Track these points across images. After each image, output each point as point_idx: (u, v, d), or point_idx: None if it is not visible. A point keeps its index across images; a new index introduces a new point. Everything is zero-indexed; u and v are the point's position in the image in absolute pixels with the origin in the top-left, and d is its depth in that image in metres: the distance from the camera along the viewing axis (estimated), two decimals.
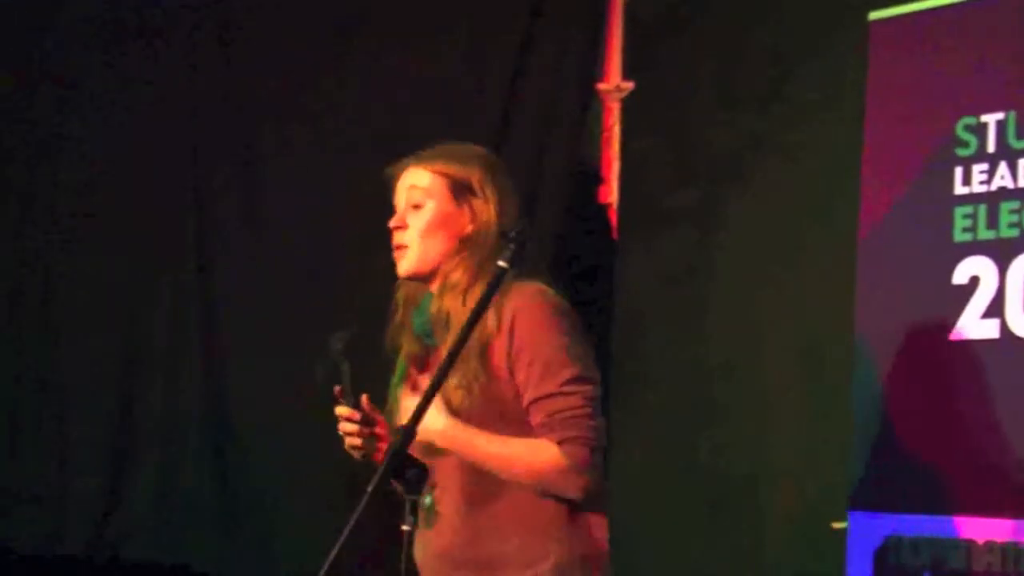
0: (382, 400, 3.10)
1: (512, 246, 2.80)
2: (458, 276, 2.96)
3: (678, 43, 4.77)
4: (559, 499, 2.91)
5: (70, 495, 5.29)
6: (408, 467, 2.65)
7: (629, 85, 4.88)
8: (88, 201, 5.41)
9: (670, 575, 4.59)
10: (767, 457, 4.44)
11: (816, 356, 4.38)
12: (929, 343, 4.10)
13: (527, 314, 2.89)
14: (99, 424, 5.31)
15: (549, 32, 4.91)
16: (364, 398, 2.98)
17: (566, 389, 2.88)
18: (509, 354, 2.89)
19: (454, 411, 2.90)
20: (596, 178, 4.94)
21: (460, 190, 3.01)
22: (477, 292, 2.89)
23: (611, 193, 4.92)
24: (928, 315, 4.11)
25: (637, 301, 4.80)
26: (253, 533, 5.04)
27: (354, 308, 4.72)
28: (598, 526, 2.99)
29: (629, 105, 4.86)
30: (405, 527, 2.64)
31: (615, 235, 4.88)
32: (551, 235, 4.81)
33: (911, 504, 4.04)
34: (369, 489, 2.59)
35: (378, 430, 3.01)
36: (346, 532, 2.59)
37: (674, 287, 4.70)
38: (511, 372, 2.90)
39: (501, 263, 2.79)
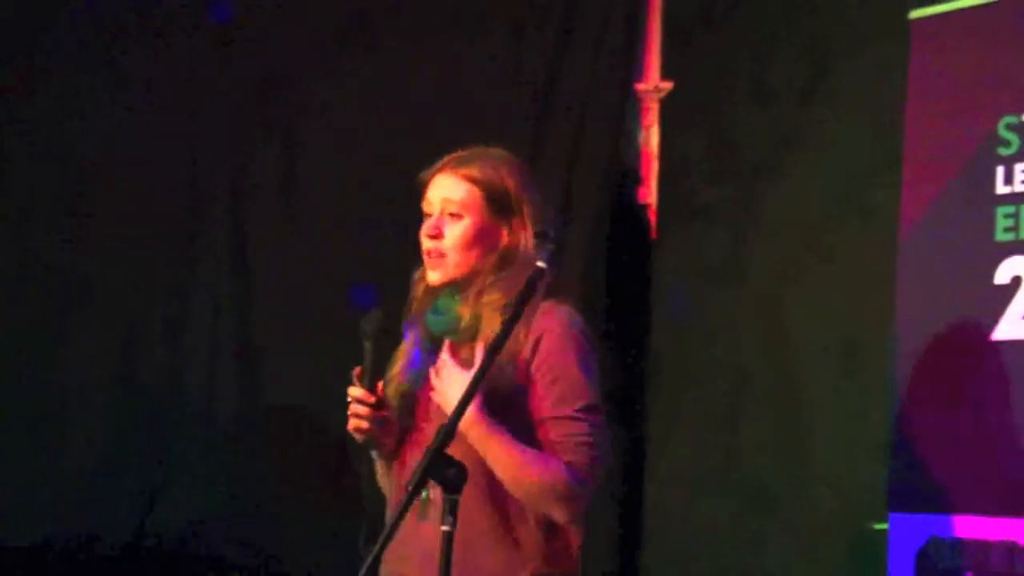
0: None
1: (551, 246, 2.81)
2: (495, 296, 2.96)
3: (716, 41, 4.75)
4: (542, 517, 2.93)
5: (111, 491, 5.31)
6: (447, 466, 2.65)
7: (668, 85, 4.87)
8: (117, 193, 5.42)
9: (712, 574, 4.58)
10: (806, 457, 4.43)
11: (855, 355, 4.36)
12: (970, 343, 4.07)
13: (555, 335, 2.92)
14: (139, 419, 5.33)
15: (586, 32, 4.90)
16: (380, 383, 2.99)
17: (581, 415, 2.91)
18: (530, 368, 2.93)
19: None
20: (635, 178, 4.93)
21: (497, 204, 3.00)
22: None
23: (650, 193, 4.91)
24: (969, 315, 4.09)
25: (675, 300, 4.79)
26: (291, 526, 5.05)
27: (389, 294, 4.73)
28: (575, 545, 3.01)
29: (667, 104, 4.86)
30: (444, 528, 2.63)
31: (654, 235, 4.88)
32: (589, 235, 4.80)
33: (952, 505, 4.02)
34: (410, 488, 2.59)
35: (387, 414, 3.01)
36: (387, 532, 2.60)
37: (712, 286, 4.69)
38: (527, 385, 2.93)
39: (540, 263, 2.79)
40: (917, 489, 4.11)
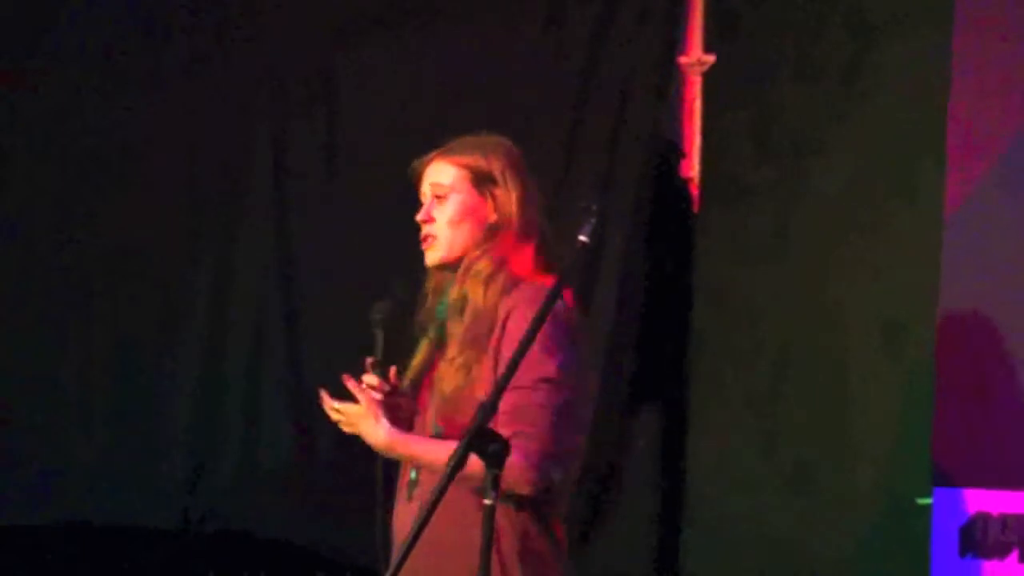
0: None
1: (593, 220, 2.80)
2: (482, 264, 3.05)
3: (760, 15, 4.73)
4: (518, 499, 2.94)
5: (157, 470, 5.35)
6: (489, 442, 2.66)
7: (710, 58, 4.85)
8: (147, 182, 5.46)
9: (756, 552, 4.57)
10: (849, 434, 4.41)
11: (899, 333, 4.34)
12: (1016, 320, 4.05)
13: (523, 311, 2.95)
14: (184, 399, 5.36)
15: (629, 4, 4.89)
16: (392, 370, 3.11)
17: (536, 385, 2.91)
18: (498, 345, 2.97)
19: (447, 391, 3.00)
20: (677, 152, 4.91)
21: (482, 181, 3.11)
22: (499, 281, 3.01)
23: (692, 167, 4.90)
24: (1015, 292, 4.06)
25: (718, 277, 4.78)
26: (337, 505, 5.07)
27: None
28: (557, 527, 3.04)
29: (711, 78, 4.84)
30: (487, 501, 2.64)
31: (696, 210, 4.86)
32: (630, 210, 4.80)
33: (998, 480, 4.00)
34: (451, 464, 2.61)
35: (400, 400, 3.12)
36: (429, 509, 2.62)
37: (755, 262, 4.68)
38: (496, 360, 2.97)
39: (582, 238, 2.79)
40: (961, 464, 4.09)
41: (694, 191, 4.87)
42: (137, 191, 5.42)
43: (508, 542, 2.96)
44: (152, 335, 5.40)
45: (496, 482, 2.66)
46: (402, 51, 5.16)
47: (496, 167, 3.11)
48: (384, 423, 2.99)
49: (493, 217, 3.10)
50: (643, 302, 4.83)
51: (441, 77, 5.09)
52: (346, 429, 3.06)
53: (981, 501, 4.04)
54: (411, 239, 4.93)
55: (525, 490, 2.92)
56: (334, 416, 3.04)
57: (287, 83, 5.34)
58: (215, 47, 5.41)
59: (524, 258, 3.07)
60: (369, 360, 3.11)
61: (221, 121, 5.38)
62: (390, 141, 5.00)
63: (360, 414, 3.00)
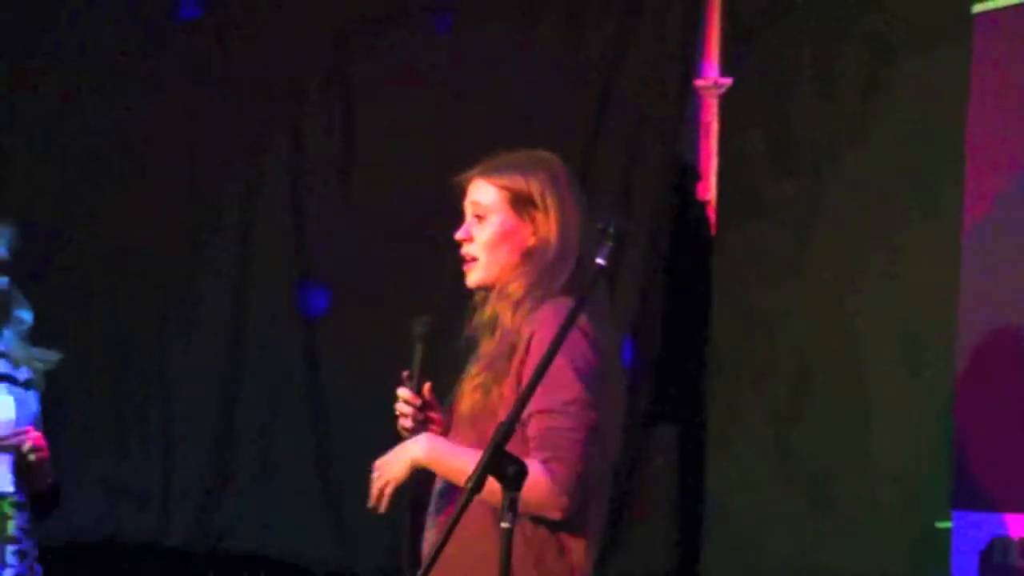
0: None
1: (610, 243, 2.77)
2: (514, 287, 3.03)
3: (776, 34, 4.73)
4: (537, 520, 2.91)
5: (174, 489, 5.33)
6: (509, 464, 2.63)
7: (727, 81, 4.84)
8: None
9: (775, 570, 4.56)
10: (868, 454, 4.41)
11: (918, 352, 4.34)
12: None
13: (547, 330, 2.90)
14: (202, 419, 5.34)
15: (646, 27, 4.88)
16: (427, 386, 3.11)
17: (563, 409, 2.88)
18: (523, 363, 2.94)
19: (464, 410, 3.00)
20: (694, 175, 4.91)
21: (522, 203, 3.06)
22: (528, 304, 2.98)
23: (709, 190, 4.89)
24: None
25: (736, 296, 4.76)
26: (354, 526, 5.06)
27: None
28: (576, 551, 3.00)
29: (727, 100, 4.83)
30: (504, 524, 2.61)
31: (713, 232, 4.86)
32: (649, 232, 4.79)
33: (1018, 504, 3.98)
34: (469, 485, 2.57)
35: (432, 415, 3.13)
36: (447, 531, 2.59)
37: (773, 282, 4.66)
38: (519, 381, 2.94)
39: (599, 260, 2.76)
40: (982, 487, 4.07)
41: (711, 214, 4.86)
42: (137, 191, 5.41)
43: (522, 566, 2.93)
44: (152, 335, 5.38)
45: (514, 505, 2.63)
46: (416, 60, 5.15)
47: (536, 190, 3.05)
48: (421, 435, 3.00)
49: (532, 240, 3.06)
50: (662, 320, 4.82)
51: (453, 95, 5.07)
52: (386, 485, 3.00)
53: (1001, 525, 4.01)
54: (423, 241, 4.92)
55: (556, 515, 2.89)
56: (379, 485, 3.00)
57: (298, 83, 5.32)
58: (215, 47, 5.39)
59: (559, 281, 3.01)
60: (405, 373, 3.12)
61: (221, 121, 5.35)
62: (405, 151, 5.00)
63: (397, 448, 3.00)
